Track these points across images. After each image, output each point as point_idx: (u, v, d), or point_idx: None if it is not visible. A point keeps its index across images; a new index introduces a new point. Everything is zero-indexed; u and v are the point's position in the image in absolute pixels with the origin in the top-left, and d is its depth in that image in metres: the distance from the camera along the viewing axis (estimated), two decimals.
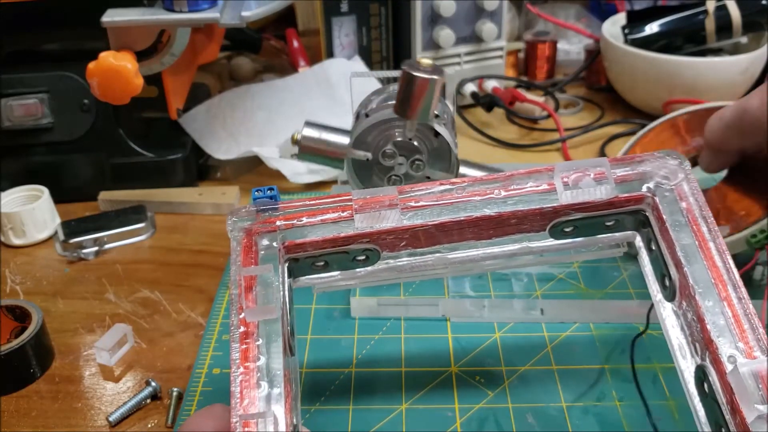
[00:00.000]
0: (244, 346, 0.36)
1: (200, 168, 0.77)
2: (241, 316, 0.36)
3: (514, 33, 1.00)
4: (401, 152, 0.54)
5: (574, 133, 0.83)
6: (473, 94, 0.86)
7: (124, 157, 0.73)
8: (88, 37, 0.68)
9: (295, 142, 0.55)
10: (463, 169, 0.57)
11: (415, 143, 0.54)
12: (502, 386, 0.50)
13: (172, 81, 0.72)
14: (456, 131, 0.59)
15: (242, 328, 0.36)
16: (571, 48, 1.04)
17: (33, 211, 0.67)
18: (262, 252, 0.39)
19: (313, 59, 0.88)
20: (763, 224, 0.54)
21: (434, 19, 0.83)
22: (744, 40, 0.83)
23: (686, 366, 0.38)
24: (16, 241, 0.67)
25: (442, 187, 0.42)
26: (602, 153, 0.80)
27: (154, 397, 0.50)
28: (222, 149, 0.76)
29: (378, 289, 0.58)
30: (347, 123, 0.58)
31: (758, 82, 0.84)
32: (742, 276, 0.45)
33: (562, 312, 0.55)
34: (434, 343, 0.54)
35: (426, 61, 0.51)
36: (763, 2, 0.81)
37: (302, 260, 0.41)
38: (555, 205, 0.40)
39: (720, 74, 0.80)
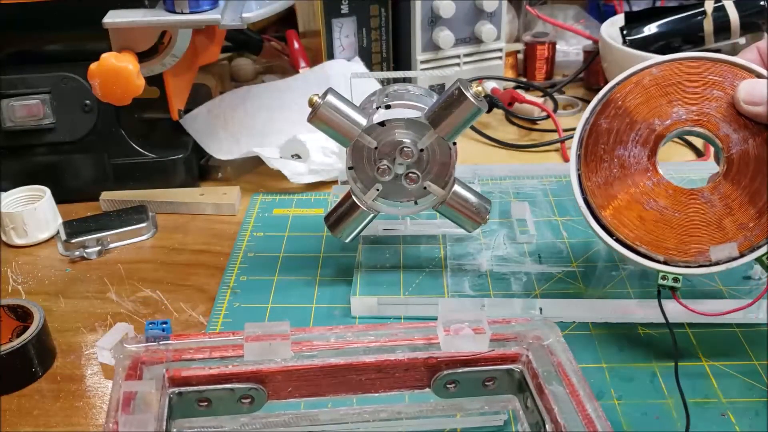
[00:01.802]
0: None
1: (201, 168, 0.78)
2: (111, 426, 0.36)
3: (513, 34, 1.01)
4: (403, 155, 0.54)
5: (572, 133, 0.83)
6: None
7: (125, 157, 0.73)
8: (89, 38, 0.68)
9: (312, 105, 0.53)
10: (456, 188, 0.57)
11: (422, 151, 0.55)
12: None
13: (173, 82, 0.72)
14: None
15: None
16: (570, 49, 1.04)
17: (35, 211, 0.67)
18: (147, 378, 0.40)
19: (314, 60, 0.88)
20: None
21: (434, 20, 0.84)
22: (742, 41, 0.83)
23: None
24: (18, 241, 0.68)
25: (333, 333, 0.43)
26: None
27: None
28: (223, 150, 0.77)
29: (378, 288, 0.59)
30: None
31: None
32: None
33: (561, 311, 0.55)
34: None
35: (478, 89, 0.52)
36: (762, 3, 0.82)
37: (186, 395, 0.41)
38: (437, 354, 0.42)
39: None
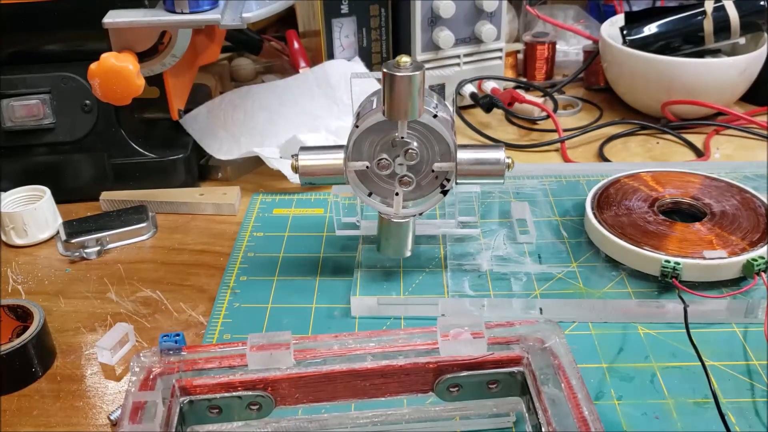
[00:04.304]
0: None
1: (201, 168, 0.78)
2: None
3: (513, 34, 1.01)
4: (415, 169, 0.55)
5: (572, 133, 0.84)
6: (472, 95, 0.86)
7: (125, 157, 0.73)
8: (89, 38, 0.68)
9: (295, 169, 0.56)
10: (409, 222, 0.58)
11: (432, 172, 0.55)
12: None
13: (173, 82, 0.72)
14: (456, 132, 0.59)
15: None
16: (570, 49, 1.04)
17: (35, 211, 0.67)
18: (159, 389, 0.41)
19: (314, 60, 0.88)
20: (763, 251, 0.57)
21: (434, 20, 0.84)
22: (742, 41, 0.83)
23: None
24: (18, 241, 0.68)
25: (336, 341, 0.44)
26: (601, 153, 0.80)
27: None
28: (223, 150, 0.77)
29: (378, 288, 0.59)
30: (347, 123, 0.58)
31: (756, 83, 0.84)
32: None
33: (561, 311, 0.55)
34: None
35: (511, 163, 0.55)
36: (761, 3, 0.82)
37: (197, 402, 0.43)
38: (438, 358, 0.43)
39: (718, 75, 0.80)
